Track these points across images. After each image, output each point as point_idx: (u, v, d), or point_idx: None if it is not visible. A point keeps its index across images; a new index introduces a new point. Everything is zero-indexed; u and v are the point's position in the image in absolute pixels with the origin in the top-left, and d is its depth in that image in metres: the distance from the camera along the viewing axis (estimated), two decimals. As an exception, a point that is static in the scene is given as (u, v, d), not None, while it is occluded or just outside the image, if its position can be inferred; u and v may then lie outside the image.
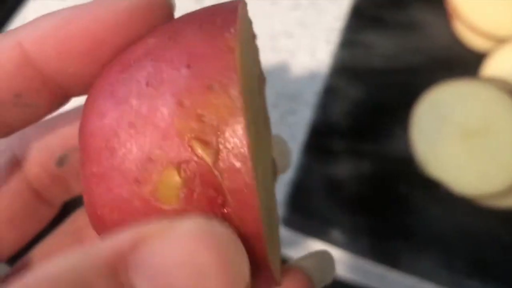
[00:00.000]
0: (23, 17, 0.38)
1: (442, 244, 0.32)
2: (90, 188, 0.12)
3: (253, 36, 0.14)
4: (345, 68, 0.37)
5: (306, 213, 0.32)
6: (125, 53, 0.12)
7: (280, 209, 0.33)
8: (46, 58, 0.12)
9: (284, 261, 0.15)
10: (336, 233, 0.32)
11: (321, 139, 0.34)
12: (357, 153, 0.34)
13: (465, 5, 0.37)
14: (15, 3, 0.39)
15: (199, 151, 0.11)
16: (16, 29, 0.13)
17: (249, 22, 0.14)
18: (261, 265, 0.12)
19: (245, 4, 0.13)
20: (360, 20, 0.39)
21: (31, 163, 0.15)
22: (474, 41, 0.37)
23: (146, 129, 0.11)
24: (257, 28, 0.41)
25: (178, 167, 0.11)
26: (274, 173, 0.17)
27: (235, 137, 0.10)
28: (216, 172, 0.11)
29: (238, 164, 0.10)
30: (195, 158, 0.11)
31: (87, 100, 0.13)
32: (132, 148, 0.11)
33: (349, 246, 0.32)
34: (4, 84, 0.12)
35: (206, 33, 0.11)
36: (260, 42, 0.39)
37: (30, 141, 0.16)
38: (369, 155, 0.34)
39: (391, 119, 0.35)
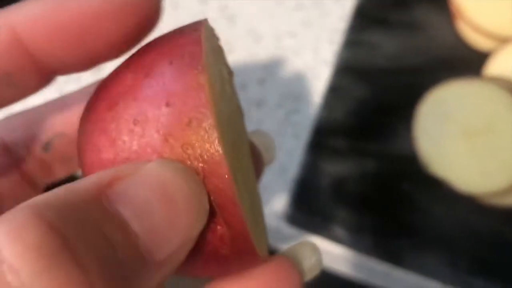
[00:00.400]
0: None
1: (446, 242, 0.32)
2: None
3: (217, 39, 0.16)
4: (349, 68, 0.37)
5: (310, 211, 0.33)
6: (108, 88, 0.14)
7: (284, 207, 0.33)
8: (37, 41, 0.13)
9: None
10: (339, 231, 0.32)
11: (325, 138, 0.35)
12: (361, 152, 0.34)
13: (469, 5, 0.37)
14: None
15: None
16: (7, 10, 0.13)
17: (210, 30, 0.15)
18: (250, 257, 0.14)
19: (206, 21, 0.15)
20: (363, 21, 0.39)
21: (19, 147, 0.16)
22: (478, 41, 0.38)
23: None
24: (261, 27, 0.41)
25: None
26: (258, 163, 0.19)
27: (216, 164, 0.12)
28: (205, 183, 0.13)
29: (221, 185, 0.12)
30: None
31: (81, 130, 0.14)
32: None
33: (353, 243, 0.32)
34: None
35: (177, 69, 0.13)
36: (264, 42, 0.40)
37: (18, 127, 0.17)
38: (373, 154, 0.34)
39: (395, 118, 0.35)
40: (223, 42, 0.44)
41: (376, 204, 0.33)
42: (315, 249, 0.16)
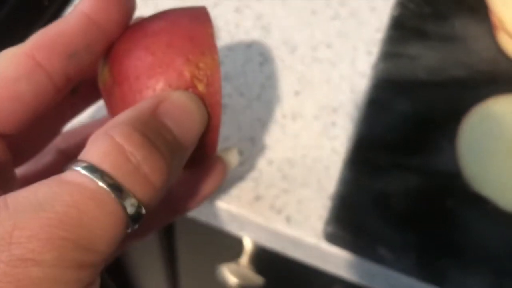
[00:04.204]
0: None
1: (491, 262, 0.31)
2: (124, 97, 0.21)
3: None
4: (388, 81, 0.36)
5: (350, 228, 0.32)
6: (143, 27, 0.22)
7: (323, 224, 0.32)
8: (99, 14, 0.20)
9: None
10: (381, 249, 0.31)
11: (366, 152, 0.33)
12: (403, 167, 0.33)
13: (511, 16, 0.36)
14: (55, 13, 0.39)
15: (196, 84, 0.21)
16: (75, 6, 0.21)
17: None
18: (213, 147, 0.23)
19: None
20: (401, 32, 0.38)
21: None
22: (520, 54, 0.37)
23: (169, 70, 0.21)
24: (296, 37, 0.40)
25: (185, 90, 0.21)
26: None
27: (214, 79, 0.21)
28: (204, 95, 0.21)
29: (213, 91, 0.21)
30: (194, 87, 0.21)
31: (119, 49, 0.22)
32: (160, 79, 0.21)
33: (394, 263, 0.31)
34: (80, 37, 0.20)
35: (196, 23, 0.22)
36: (300, 52, 0.39)
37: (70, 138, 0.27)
38: (415, 170, 0.33)
39: (437, 132, 0.34)
40: (258, 52, 0.43)
41: (419, 221, 0.32)
42: (236, 152, 0.28)
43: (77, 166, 0.17)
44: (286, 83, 0.37)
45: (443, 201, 0.32)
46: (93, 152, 0.17)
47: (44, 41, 0.19)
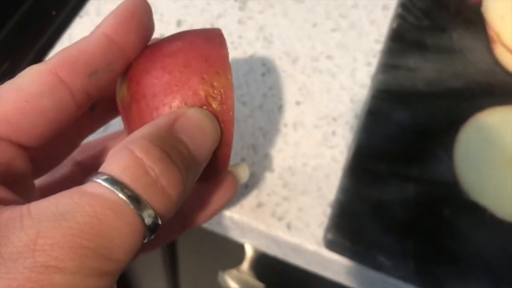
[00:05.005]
0: (69, 34, 0.39)
1: (489, 271, 0.31)
2: (141, 113, 0.22)
3: None
4: (387, 91, 0.37)
5: (349, 236, 0.32)
6: (162, 46, 0.23)
7: (322, 231, 0.33)
8: (119, 35, 0.21)
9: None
10: (379, 257, 0.32)
11: (365, 161, 0.34)
12: (402, 176, 0.34)
13: (507, 30, 0.36)
14: (63, 23, 0.39)
15: (211, 101, 0.22)
16: (97, 27, 0.22)
17: None
18: (225, 162, 0.23)
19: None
20: (401, 43, 0.39)
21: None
22: (517, 66, 0.37)
23: (185, 88, 0.22)
24: (297, 48, 0.41)
25: (200, 108, 0.22)
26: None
27: (228, 97, 0.22)
28: (217, 112, 0.22)
29: (226, 109, 0.22)
30: (208, 105, 0.22)
31: (137, 68, 0.22)
32: (176, 96, 0.22)
33: (393, 270, 0.32)
34: (100, 57, 0.21)
35: (212, 45, 0.23)
36: (301, 63, 0.40)
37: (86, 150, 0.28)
38: (414, 179, 0.34)
39: (435, 142, 0.35)
40: (260, 63, 0.44)
41: (417, 229, 0.33)
42: (246, 168, 0.29)
43: (98, 178, 0.18)
44: (288, 93, 0.38)
45: (440, 210, 0.33)
46: (113, 165, 0.18)
47: (67, 59, 0.20)
